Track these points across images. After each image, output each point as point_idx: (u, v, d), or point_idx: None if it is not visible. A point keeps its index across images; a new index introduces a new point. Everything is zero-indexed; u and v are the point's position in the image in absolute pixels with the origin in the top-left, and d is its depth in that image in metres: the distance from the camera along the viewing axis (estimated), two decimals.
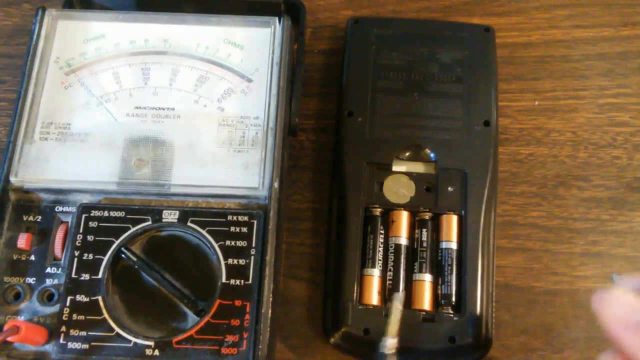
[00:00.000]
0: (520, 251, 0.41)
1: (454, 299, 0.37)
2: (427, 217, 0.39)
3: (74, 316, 0.34)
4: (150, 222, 0.36)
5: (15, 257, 0.36)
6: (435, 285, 0.38)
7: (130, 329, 0.34)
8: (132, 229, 0.36)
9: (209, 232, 0.36)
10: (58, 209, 0.37)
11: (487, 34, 0.44)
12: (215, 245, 0.36)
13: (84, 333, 0.34)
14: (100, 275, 0.35)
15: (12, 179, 0.37)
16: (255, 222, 0.36)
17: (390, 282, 0.38)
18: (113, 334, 0.34)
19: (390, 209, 0.39)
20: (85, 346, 0.34)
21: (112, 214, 0.36)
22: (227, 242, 0.36)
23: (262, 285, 0.34)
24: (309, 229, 0.42)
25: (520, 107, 0.45)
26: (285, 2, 0.44)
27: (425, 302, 0.37)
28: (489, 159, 0.40)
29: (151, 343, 0.33)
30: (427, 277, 0.38)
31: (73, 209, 0.37)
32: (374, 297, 0.37)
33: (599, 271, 0.41)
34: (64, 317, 0.34)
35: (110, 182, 0.37)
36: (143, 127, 0.39)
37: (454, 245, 0.38)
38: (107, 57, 0.41)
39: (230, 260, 0.35)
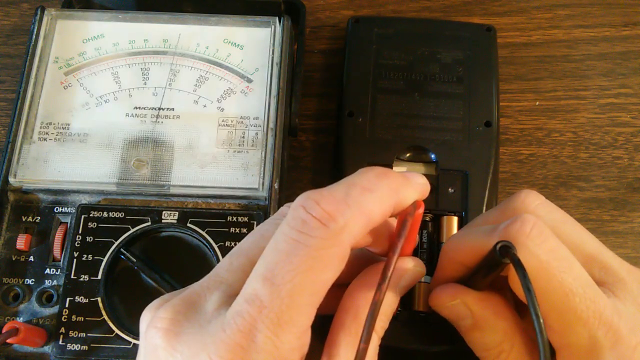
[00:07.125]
0: None
1: None
2: (427, 219, 0.39)
3: (73, 317, 0.34)
4: (149, 223, 0.36)
5: (14, 258, 0.36)
6: None
7: (129, 330, 0.34)
8: (132, 230, 0.36)
9: (208, 233, 0.36)
10: (57, 209, 0.37)
11: (489, 33, 0.44)
12: (215, 246, 0.35)
13: (83, 334, 0.34)
14: (99, 276, 0.35)
15: (11, 179, 0.37)
16: (255, 223, 0.36)
17: None
18: (112, 335, 0.34)
19: None
20: (85, 347, 0.33)
21: (111, 214, 0.36)
22: (227, 243, 0.35)
23: None
24: None
25: (521, 107, 0.45)
26: (285, 2, 0.44)
27: (426, 303, 0.37)
28: (489, 159, 0.40)
29: None
30: (428, 279, 0.37)
31: (72, 210, 0.37)
32: None
33: None
34: (63, 319, 0.34)
35: (110, 183, 0.37)
36: (142, 127, 0.39)
37: None
38: (106, 57, 0.41)
39: None
